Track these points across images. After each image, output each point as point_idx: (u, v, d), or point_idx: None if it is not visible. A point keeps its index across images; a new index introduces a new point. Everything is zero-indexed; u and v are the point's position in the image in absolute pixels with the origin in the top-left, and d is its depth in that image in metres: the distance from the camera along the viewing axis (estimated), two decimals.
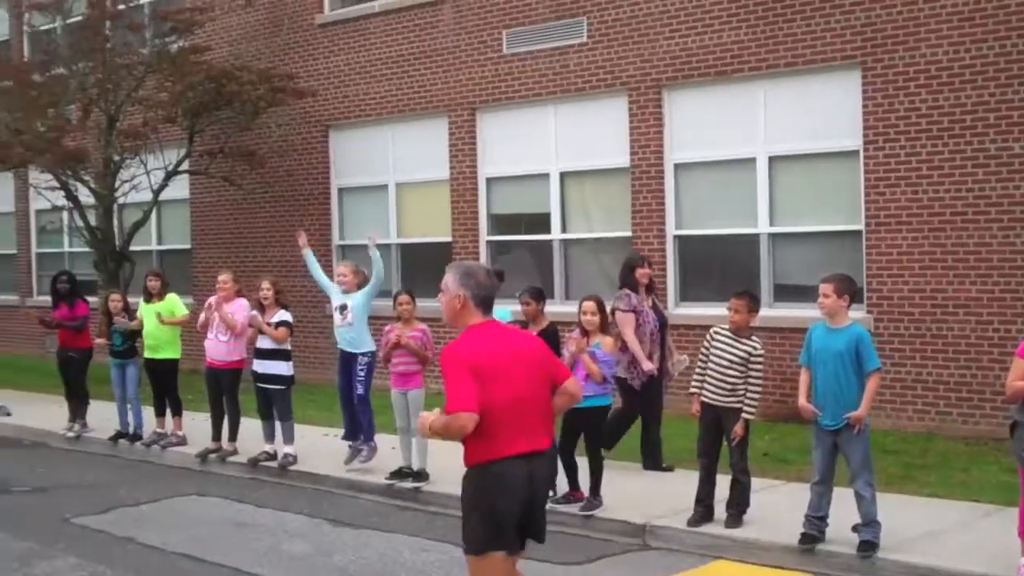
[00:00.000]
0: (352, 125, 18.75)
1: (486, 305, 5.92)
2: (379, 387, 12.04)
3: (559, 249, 16.23)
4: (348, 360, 11.66)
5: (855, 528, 8.29)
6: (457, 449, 5.89)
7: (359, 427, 11.72)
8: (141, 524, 10.13)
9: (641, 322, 10.88)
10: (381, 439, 11.87)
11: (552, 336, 10.00)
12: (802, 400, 8.41)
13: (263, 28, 19.74)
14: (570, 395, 6.14)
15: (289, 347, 12.16)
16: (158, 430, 13.59)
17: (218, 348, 12.55)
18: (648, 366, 10.73)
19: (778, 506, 9.44)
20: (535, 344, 6.19)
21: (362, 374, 11.50)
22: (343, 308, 11.57)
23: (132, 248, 19.63)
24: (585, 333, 9.71)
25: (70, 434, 14.61)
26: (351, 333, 11.54)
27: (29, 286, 25.19)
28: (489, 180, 17.00)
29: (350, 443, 11.83)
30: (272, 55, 19.25)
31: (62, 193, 19.37)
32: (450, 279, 5.93)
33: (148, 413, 13.97)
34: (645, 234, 15.05)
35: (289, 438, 12.13)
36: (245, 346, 12.63)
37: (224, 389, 12.60)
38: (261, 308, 12.13)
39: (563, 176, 16.16)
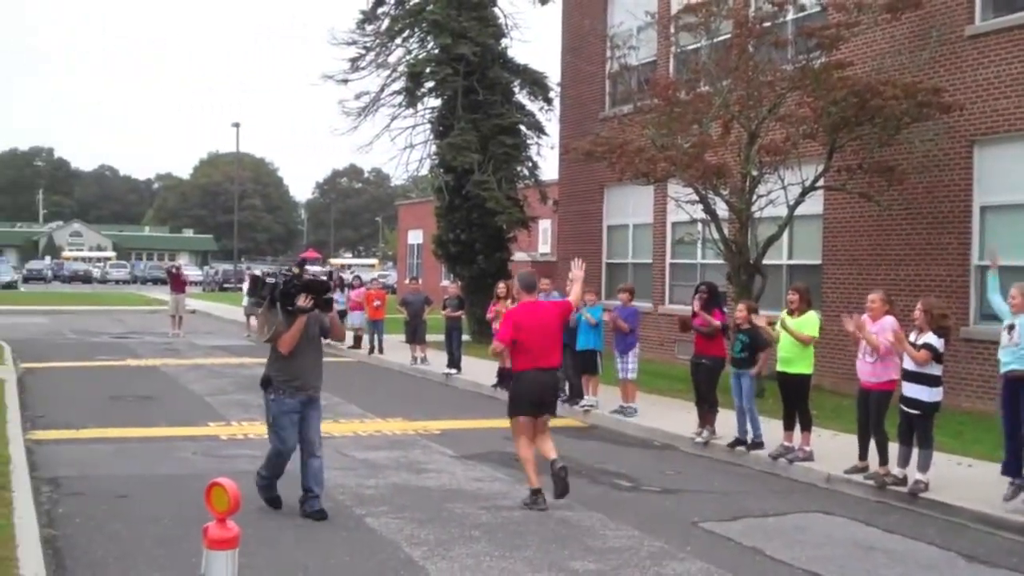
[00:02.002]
0: (1000, 140, 17.72)
1: (528, 289, 11.42)
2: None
3: None
4: (1015, 387, 10.90)
5: None
6: None
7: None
8: (768, 536, 10.11)
9: None
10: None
11: None
12: None
13: (908, 42, 19.19)
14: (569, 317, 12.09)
15: (937, 372, 11.59)
16: (785, 443, 13.54)
17: (864, 368, 12.27)
18: None
19: None
20: (554, 309, 11.43)
21: None
22: (1011, 328, 10.91)
23: (764, 262, 19.82)
24: None
25: (698, 440, 14.97)
26: (1018, 352, 10.83)
27: (662, 294, 26.34)
28: None
29: (1012, 479, 11.03)
30: (916, 68, 18.64)
31: (700, 206, 19.99)
32: (514, 281, 12.31)
33: (775, 425, 14.00)
34: None
35: (924, 465, 11.58)
36: (896, 367, 12.15)
37: (870, 410, 12.28)
38: (918, 331, 11.69)
39: None
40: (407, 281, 37.78)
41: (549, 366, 11.16)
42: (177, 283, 35.32)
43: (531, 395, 11.11)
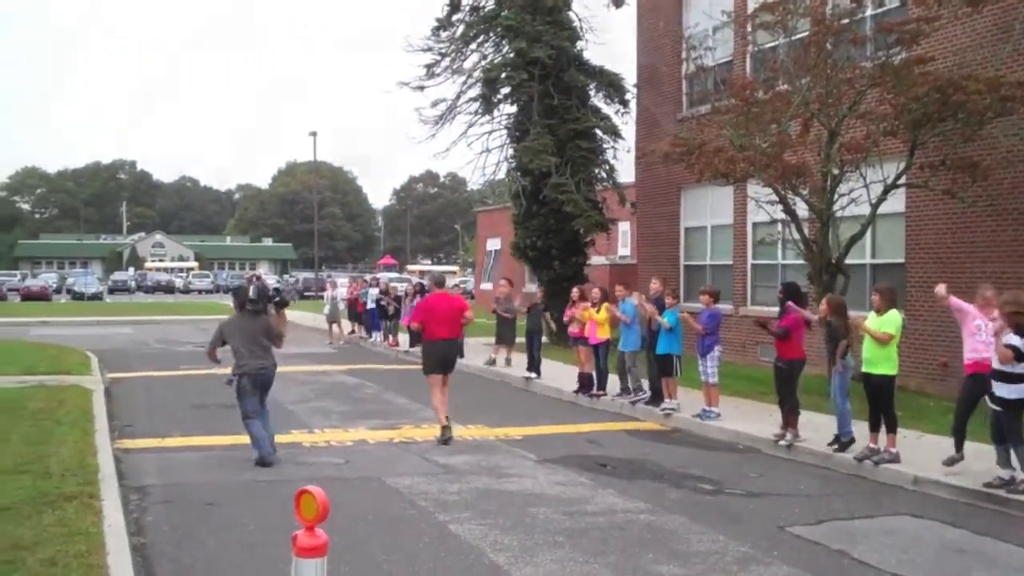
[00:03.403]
0: None
1: (439, 285, 16.55)
2: None
3: None
4: None
5: None
6: None
7: None
8: (855, 539, 9.97)
9: None
10: None
11: None
12: None
13: (990, 35, 18.84)
14: (467, 319, 15.99)
15: (1020, 371, 11.32)
16: (871, 445, 13.34)
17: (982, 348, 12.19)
18: None
19: None
20: (455, 300, 16.17)
21: None
22: None
23: (846, 261, 19.55)
24: None
25: (782, 443, 14.80)
26: None
27: (743, 296, 26.10)
28: None
29: None
30: (999, 62, 18.29)
31: (780, 207, 19.78)
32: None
33: (861, 427, 13.81)
34: None
35: (1016, 462, 11.34)
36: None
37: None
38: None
39: None
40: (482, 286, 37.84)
41: (447, 337, 15.90)
42: None
43: (436, 357, 15.76)
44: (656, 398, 18.06)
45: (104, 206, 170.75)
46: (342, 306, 36.45)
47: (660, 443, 15.75)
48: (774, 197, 19.70)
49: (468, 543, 9.69)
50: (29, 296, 73.86)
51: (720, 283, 26.17)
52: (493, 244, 60.86)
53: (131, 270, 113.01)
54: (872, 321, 13.25)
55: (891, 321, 13.18)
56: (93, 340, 33.74)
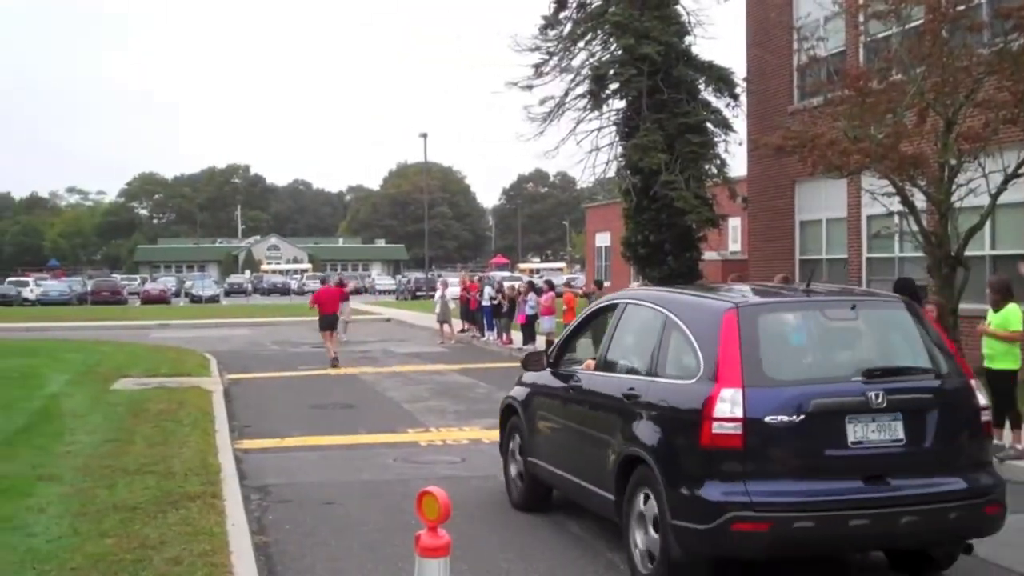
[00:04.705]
0: None
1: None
2: None
3: None
4: None
5: None
6: None
7: None
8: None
9: None
10: None
11: None
12: None
13: None
14: None
15: None
16: (996, 441, 13.00)
17: None
18: None
19: None
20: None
21: None
22: None
23: (966, 253, 19.10)
24: None
25: None
26: None
27: None
28: None
29: None
30: None
31: (897, 198, 19.40)
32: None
33: None
34: None
35: None
36: None
37: None
38: None
39: None
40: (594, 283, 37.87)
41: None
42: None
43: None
44: None
45: (219, 210, 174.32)
46: (453, 305, 36.72)
47: None
48: (890, 189, 19.32)
49: (586, 541, 9.69)
50: (149, 299, 75.66)
51: (835, 277, 25.81)
52: (603, 239, 60.63)
53: (247, 273, 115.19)
54: (991, 319, 12.92)
55: (1013, 318, 12.84)
56: (211, 342, 34.48)
